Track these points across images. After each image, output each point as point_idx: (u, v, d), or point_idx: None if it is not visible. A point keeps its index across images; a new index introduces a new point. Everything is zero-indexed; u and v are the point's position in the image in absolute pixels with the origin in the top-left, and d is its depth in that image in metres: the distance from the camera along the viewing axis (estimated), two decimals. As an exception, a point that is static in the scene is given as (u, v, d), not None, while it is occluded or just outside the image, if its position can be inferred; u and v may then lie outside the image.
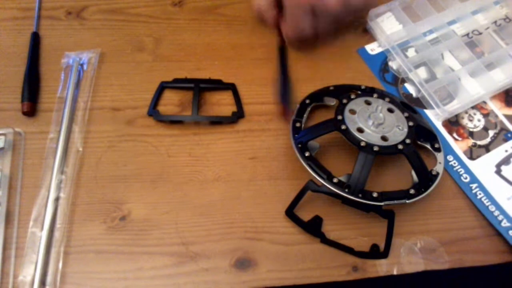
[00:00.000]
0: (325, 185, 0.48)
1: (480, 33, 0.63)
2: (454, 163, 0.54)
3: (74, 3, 0.64)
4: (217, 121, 0.56)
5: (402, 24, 0.64)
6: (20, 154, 0.52)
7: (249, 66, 0.60)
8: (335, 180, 0.48)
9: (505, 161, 0.55)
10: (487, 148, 0.56)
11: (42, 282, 0.45)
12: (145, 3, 0.65)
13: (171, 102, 0.57)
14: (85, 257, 0.47)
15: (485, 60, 0.60)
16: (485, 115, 0.58)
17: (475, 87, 0.59)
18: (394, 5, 0.64)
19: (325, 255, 0.48)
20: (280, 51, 0.59)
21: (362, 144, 0.48)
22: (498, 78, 0.59)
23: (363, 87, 0.57)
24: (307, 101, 0.56)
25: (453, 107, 0.57)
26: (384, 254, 0.48)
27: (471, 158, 0.55)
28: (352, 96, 0.53)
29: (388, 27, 0.64)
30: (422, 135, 0.54)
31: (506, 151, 0.55)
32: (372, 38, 0.64)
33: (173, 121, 0.56)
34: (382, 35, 0.62)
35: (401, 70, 0.61)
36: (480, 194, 0.52)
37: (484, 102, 0.59)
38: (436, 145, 0.54)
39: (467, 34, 0.63)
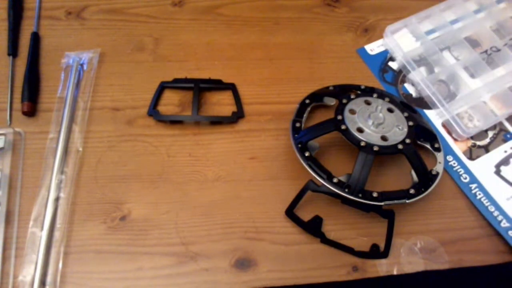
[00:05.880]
0: (325, 185, 0.48)
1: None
2: (454, 163, 0.54)
3: (74, 3, 0.64)
4: (217, 121, 0.56)
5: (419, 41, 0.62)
6: (20, 154, 0.52)
7: (249, 66, 0.60)
8: (335, 180, 0.48)
9: (504, 162, 0.55)
10: (486, 149, 0.56)
11: (42, 282, 0.45)
12: (145, 3, 0.65)
13: (171, 102, 0.57)
14: (85, 257, 0.47)
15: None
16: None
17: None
18: (410, 21, 0.63)
19: (325, 255, 0.48)
20: None
21: (362, 144, 0.48)
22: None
23: (363, 87, 0.57)
24: (307, 101, 0.56)
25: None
26: (384, 254, 0.48)
27: (471, 158, 0.55)
28: (352, 96, 0.53)
29: (404, 43, 0.62)
30: (422, 135, 0.54)
31: (506, 151, 0.55)
32: (372, 38, 0.64)
33: (173, 121, 0.56)
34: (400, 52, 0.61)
35: (401, 66, 0.61)
36: (479, 194, 0.52)
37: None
38: (436, 145, 0.54)
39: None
